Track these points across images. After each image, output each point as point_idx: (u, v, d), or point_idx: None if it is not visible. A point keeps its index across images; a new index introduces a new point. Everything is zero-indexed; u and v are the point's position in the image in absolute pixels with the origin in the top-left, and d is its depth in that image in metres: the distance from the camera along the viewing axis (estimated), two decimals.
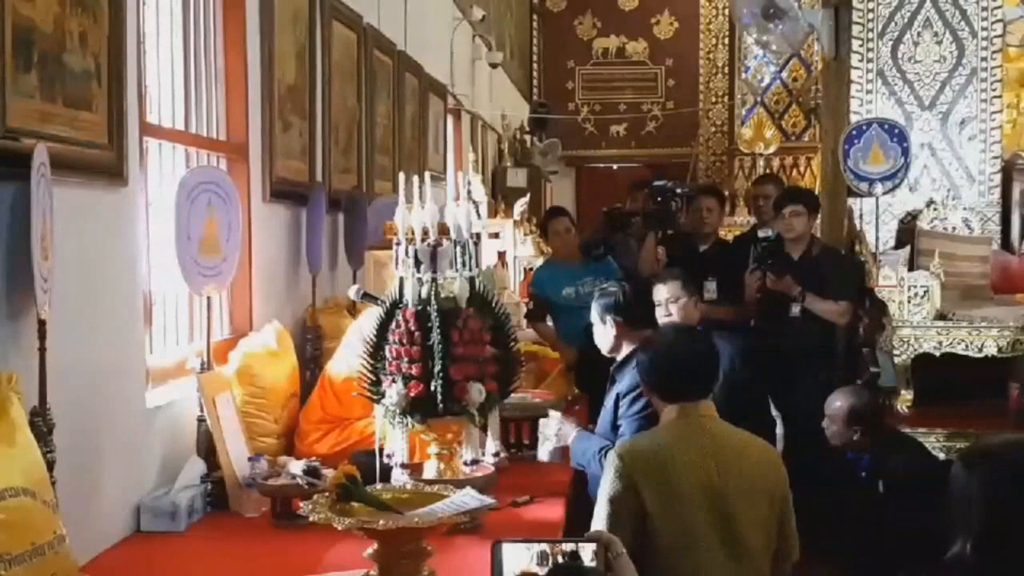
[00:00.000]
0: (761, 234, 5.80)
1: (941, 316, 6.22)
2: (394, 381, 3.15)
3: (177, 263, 3.38)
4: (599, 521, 2.97)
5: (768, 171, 12.71)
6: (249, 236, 4.14)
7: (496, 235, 7.78)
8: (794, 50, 11.18)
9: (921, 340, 6.19)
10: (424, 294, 3.17)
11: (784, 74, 14.06)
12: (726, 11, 14.97)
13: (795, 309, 5.60)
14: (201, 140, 4.00)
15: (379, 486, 2.83)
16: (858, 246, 7.00)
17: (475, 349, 3.17)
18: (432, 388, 3.11)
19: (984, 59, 7.51)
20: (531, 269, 7.72)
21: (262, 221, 4.33)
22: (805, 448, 5.13)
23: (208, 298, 3.59)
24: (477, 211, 3.35)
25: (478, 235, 3.32)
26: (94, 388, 2.94)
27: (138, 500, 3.18)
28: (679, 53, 16.25)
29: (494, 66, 10.90)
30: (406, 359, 3.13)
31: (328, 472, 3.15)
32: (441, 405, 3.12)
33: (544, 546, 1.90)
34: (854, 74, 7.60)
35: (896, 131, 7.25)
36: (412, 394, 3.11)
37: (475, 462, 3.27)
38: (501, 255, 7.71)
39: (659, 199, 6.57)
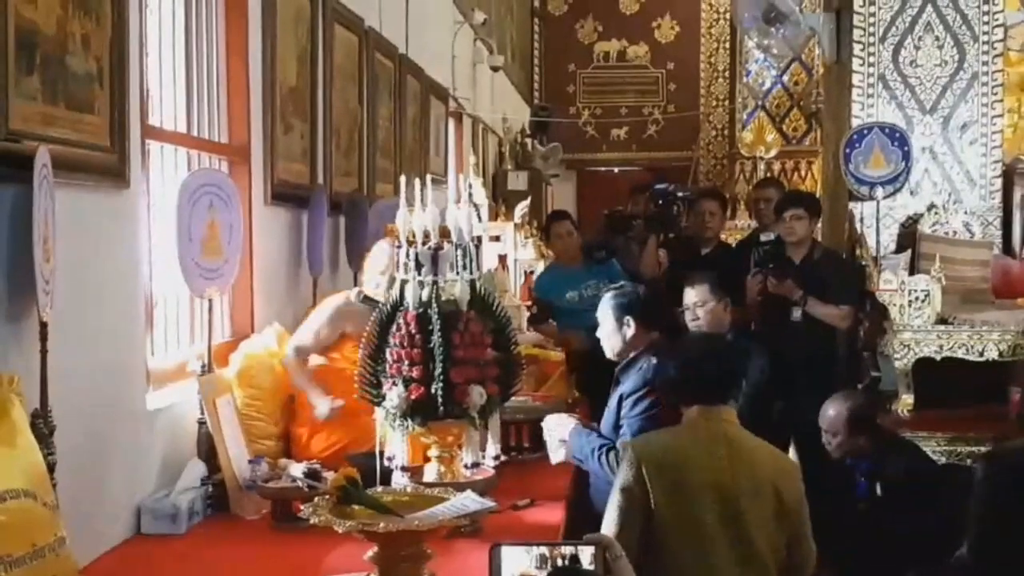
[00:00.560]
0: (762, 238, 5.79)
1: (942, 320, 6.21)
2: (395, 384, 3.15)
3: (179, 265, 3.39)
4: (611, 511, 3.01)
5: (769, 175, 12.70)
6: (250, 238, 4.14)
7: (497, 238, 7.76)
8: (795, 54, 11.19)
9: (922, 344, 6.18)
10: (425, 297, 3.17)
11: (785, 78, 14.04)
12: (727, 15, 14.97)
13: (796, 313, 5.59)
14: (203, 143, 4.01)
15: (379, 489, 2.84)
16: (859, 250, 6.99)
17: (476, 352, 3.17)
18: (433, 391, 3.11)
19: (985, 63, 7.50)
20: (532, 272, 7.71)
21: (263, 223, 4.34)
22: (806, 454, 5.11)
23: (209, 300, 3.59)
24: (478, 214, 3.36)
25: (479, 238, 3.33)
26: (95, 390, 2.95)
27: (139, 502, 3.19)
28: (680, 57, 16.26)
29: (495, 69, 10.91)
30: (407, 362, 3.14)
31: (328, 475, 3.15)
32: (442, 408, 3.12)
33: (543, 549, 1.91)
34: (855, 78, 7.59)
35: (897, 135, 7.24)
36: (413, 397, 3.11)
37: (475, 465, 3.27)
38: (502, 258, 7.70)
39: (661, 202, 6.57)
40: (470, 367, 3.14)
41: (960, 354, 6.14)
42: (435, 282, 3.17)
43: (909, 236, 7.42)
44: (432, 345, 3.12)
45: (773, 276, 5.58)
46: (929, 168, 7.58)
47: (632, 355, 3.79)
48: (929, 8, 7.51)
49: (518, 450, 4.10)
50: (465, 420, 3.17)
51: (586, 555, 1.91)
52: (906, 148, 7.19)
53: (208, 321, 3.60)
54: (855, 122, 7.52)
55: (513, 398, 3.47)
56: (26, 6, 2.55)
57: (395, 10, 6.64)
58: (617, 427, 3.68)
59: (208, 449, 3.41)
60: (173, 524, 3.16)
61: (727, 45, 15.42)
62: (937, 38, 7.52)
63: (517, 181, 11.72)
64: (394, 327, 3.20)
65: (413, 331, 3.14)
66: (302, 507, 2.63)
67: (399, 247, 3.24)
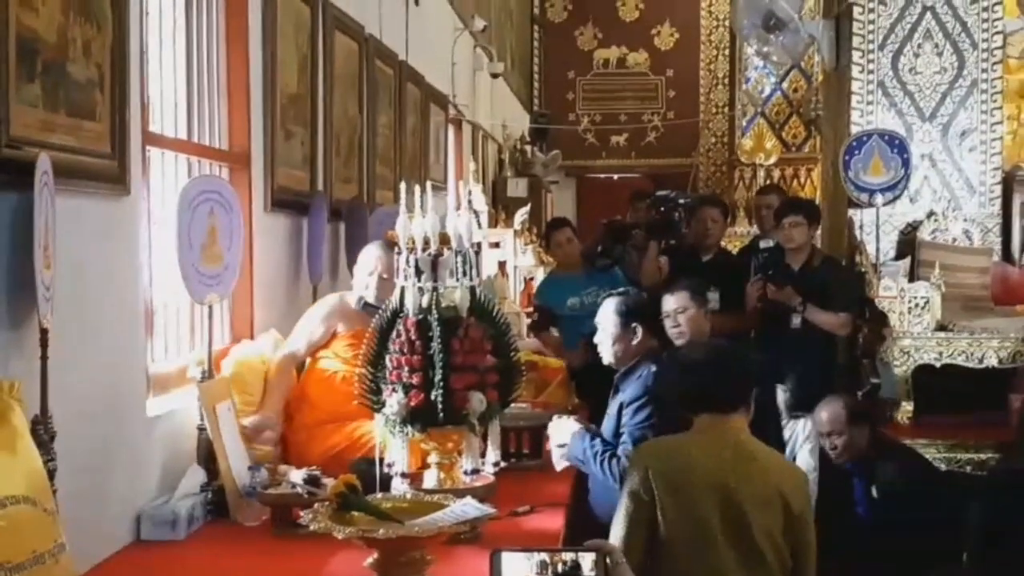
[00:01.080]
0: (762, 244, 5.80)
1: (941, 327, 6.22)
2: (394, 390, 3.15)
3: (179, 272, 3.39)
4: (619, 516, 3.03)
5: (769, 182, 12.72)
6: (250, 245, 4.14)
7: (497, 245, 7.79)
8: (795, 61, 11.19)
9: (921, 351, 6.18)
10: (425, 303, 3.17)
11: (784, 85, 14.06)
12: (727, 22, 15.00)
13: (796, 320, 5.59)
14: (203, 149, 4.01)
15: (379, 495, 2.84)
16: (858, 257, 7.00)
17: (476, 358, 3.17)
18: (432, 397, 3.11)
19: (984, 71, 7.52)
20: (531, 279, 7.72)
21: (263, 230, 4.34)
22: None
23: (209, 307, 3.60)
24: (478, 221, 3.36)
25: (479, 245, 3.33)
26: (95, 396, 2.95)
27: (138, 508, 3.18)
28: (680, 64, 16.29)
29: (495, 76, 10.92)
30: (407, 368, 3.13)
31: (328, 481, 3.15)
32: (441, 414, 3.12)
33: (544, 555, 1.91)
34: (854, 85, 7.61)
35: (896, 142, 7.26)
36: (412, 403, 3.11)
37: (475, 471, 3.27)
38: (502, 265, 7.72)
39: (662, 209, 6.57)
40: (470, 373, 3.14)
41: (960, 361, 6.15)
42: (435, 288, 3.17)
43: (909, 243, 7.43)
44: (432, 351, 3.12)
45: (772, 283, 5.58)
46: (928, 175, 7.59)
47: (632, 362, 3.79)
48: (928, 15, 7.53)
49: (518, 457, 4.09)
50: (465, 426, 3.17)
51: (587, 561, 1.91)
52: (905, 155, 7.21)
53: (208, 327, 3.60)
54: (854, 129, 7.53)
55: (513, 404, 3.47)
56: (27, 13, 2.55)
57: (395, 17, 6.65)
58: (618, 435, 3.68)
59: (208, 455, 3.41)
60: (173, 530, 3.16)
61: (726, 52, 15.44)
62: (936, 45, 7.53)
63: (517, 188, 11.73)
64: (394, 333, 3.20)
65: (413, 337, 3.14)
66: (302, 514, 2.63)
67: (398, 253, 3.24)
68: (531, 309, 6.33)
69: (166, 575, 2.97)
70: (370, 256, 4.04)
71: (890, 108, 7.59)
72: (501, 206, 10.36)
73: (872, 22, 7.57)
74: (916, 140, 7.50)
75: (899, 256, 7.39)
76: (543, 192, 13.13)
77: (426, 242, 3.18)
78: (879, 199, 7.16)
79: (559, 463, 3.79)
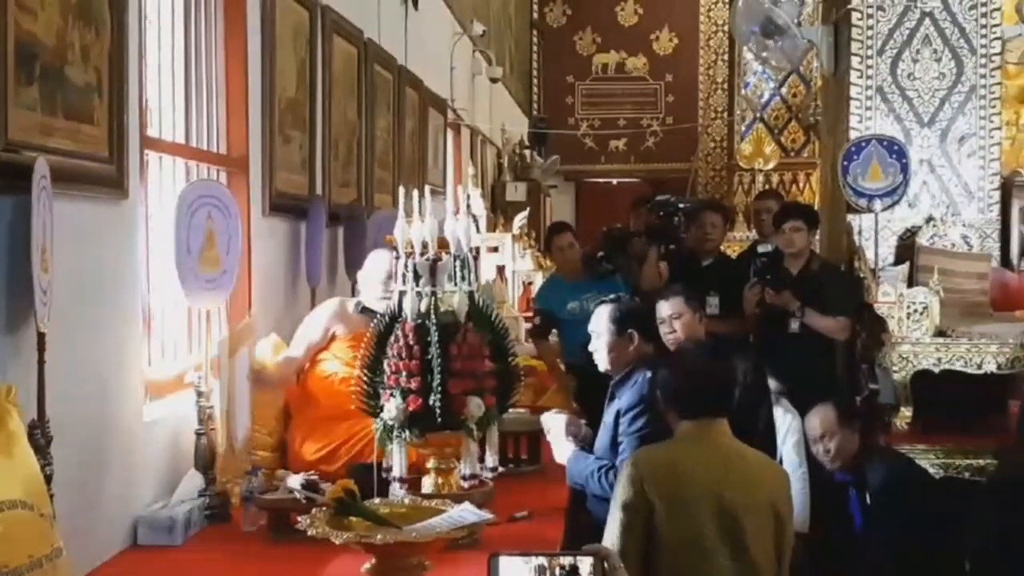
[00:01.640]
0: (760, 249, 5.80)
1: (940, 333, 6.22)
2: (392, 395, 3.14)
3: (177, 276, 3.38)
4: (612, 527, 3.01)
5: (768, 187, 12.72)
6: (249, 249, 4.14)
7: (495, 249, 7.78)
8: (793, 66, 11.20)
9: (920, 357, 6.18)
10: (423, 308, 3.16)
11: (783, 90, 14.08)
12: (726, 27, 15.01)
13: (794, 325, 5.59)
14: (201, 153, 4.01)
15: (377, 500, 2.83)
16: (857, 262, 7.00)
17: (474, 363, 3.16)
18: (431, 402, 3.11)
19: (983, 76, 7.52)
20: (530, 283, 7.72)
21: (262, 234, 4.34)
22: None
23: (207, 311, 3.59)
24: (476, 225, 3.37)
25: (477, 249, 3.33)
26: (93, 401, 2.94)
27: (136, 513, 3.18)
28: (679, 69, 16.32)
29: (494, 81, 10.93)
30: (405, 373, 3.13)
31: (326, 486, 3.14)
32: (440, 419, 3.12)
33: (542, 559, 1.90)
34: (853, 90, 7.60)
35: (895, 148, 7.26)
36: (411, 408, 3.11)
37: (473, 477, 3.27)
38: (500, 269, 7.71)
39: (662, 213, 6.56)
40: (468, 378, 3.14)
41: (958, 366, 6.14)
42: (433, 293, 3.17)
43: (907, 248, 7.43)
44: (430, 356, 3.12)
45: (771, 287, 5.58)
46: (927, 180, 7.59)
47: (627, 369, 3.78)
48: (927, 21, 7.53)
49: (516, 462, 4.09)
50: (463, 431, 3.16)
51: (585, 566, 1.90)
52: (904, 161, 7.21)
53: (206, 332, 3.60)
54: (853, 134, 7.53)
55: (511, 409, 3.47)
56: (26, 17, 2.55)
57: (394, 22, 6.66)
58: (615, 444, 3.66)
59: (206, 460, 3.40)
60: (170, 536, 3.15)
61: (725, 57, 15.47)
62: (935, 51, 7.53)
63: (515, 192, 11.74)
64: (392, 338, 3.20)
65: (411, 342, 3.14)
66: (300, 519, 2.62)
67: (397, 257, 3.24)
68: (530, 313, 6.32)
69: None
70: (385, 262, 3.98)
71: (889, 113, 7.59)
72: (500, 211, 10.38)
73: (871, 28, 7.58)
74: (915, 145, 7.50)
75: (898, 261, 7.39)
76: (542, 197, 13.14)
77: (424, 246, 3.18)
78: (878, 204, 7.16)
79: (559, 455, 3.76)
